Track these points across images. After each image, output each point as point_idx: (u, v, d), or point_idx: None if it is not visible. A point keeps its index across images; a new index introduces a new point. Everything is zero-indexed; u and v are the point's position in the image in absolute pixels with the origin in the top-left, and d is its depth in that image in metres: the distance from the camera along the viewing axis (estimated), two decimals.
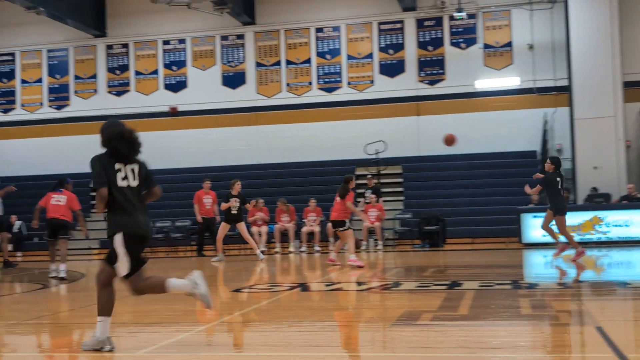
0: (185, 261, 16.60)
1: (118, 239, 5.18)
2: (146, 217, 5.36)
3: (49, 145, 23.61)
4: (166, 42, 23.37)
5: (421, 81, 21.79)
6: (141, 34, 23.43)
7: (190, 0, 20.48)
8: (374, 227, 17.92)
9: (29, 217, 20.13)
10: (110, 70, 23.67)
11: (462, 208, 19.43)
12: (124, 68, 23.58)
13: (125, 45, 23.60)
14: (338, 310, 7.84)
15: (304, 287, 9.92)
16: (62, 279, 12.12)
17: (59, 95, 23.98)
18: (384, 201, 19.58)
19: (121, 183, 5.25)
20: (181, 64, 23.26)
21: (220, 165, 21.81)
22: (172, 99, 23.15)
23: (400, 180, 21.30)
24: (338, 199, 13.21)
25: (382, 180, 20.84)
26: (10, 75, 24.39)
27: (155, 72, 23.39)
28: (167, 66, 23.32)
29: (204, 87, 22.96)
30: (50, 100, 24.07)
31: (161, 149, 22.46)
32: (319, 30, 22.53)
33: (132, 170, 5.33)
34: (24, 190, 22.53)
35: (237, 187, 15.23)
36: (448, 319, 6.49)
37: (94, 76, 23.75)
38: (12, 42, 24.16)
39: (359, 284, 10.14)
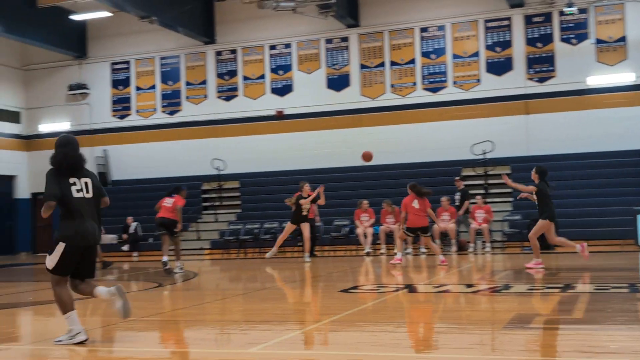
0: (292, 261, 16.82)
1: (59, 248, 5.83)
2: (94, 226, 5.96)
3: (162, 149, 24.55)
4: (272, 47, 23.79)
5: (530, 79, 21.22)
6: (248, 40, 23.96)
7: (295, 4, 20.75)
8: (481, 229, 17.60)
9: (144, 219, 21.07)
10: (220, 75, 24.32)
11: (575, 209, 18.74)
12: (233, 73, 24.18)
13: (234, 51, 24.20)
14: (446, 312, 7.76)
15: (410, 288, 9.87)
16: (180, 271, 13.17)
17: (171, 101, 24.87)
18: (491, 202, 19.20)
19: (77, 195, 5.90)
20: (287, 68, 23.62)
21: (326, 167, 22.00)
22: (279, 102, 23.53)
23: None
24: (416, 203, 13.16)
25: (490, 181, 20.44)
26: (126, 82, 25.48)
27: (262, 76, 23.85)
28: (274, 71, 23.74)
29: (309, 91, 23.21)
30: (163, 106, 24.98)
31: (268, 152, 22.93)
32: (423, 30, 22.34)
33: (86, 183, 5.97)
34: (138, 192, 23.57)
35: (307, 188, 15.55)
36: (562, 322, 6.30)
37: (204, 82, 24.47)
38: (127, 50, 25.25)
39: (468, 286, 9.99)
